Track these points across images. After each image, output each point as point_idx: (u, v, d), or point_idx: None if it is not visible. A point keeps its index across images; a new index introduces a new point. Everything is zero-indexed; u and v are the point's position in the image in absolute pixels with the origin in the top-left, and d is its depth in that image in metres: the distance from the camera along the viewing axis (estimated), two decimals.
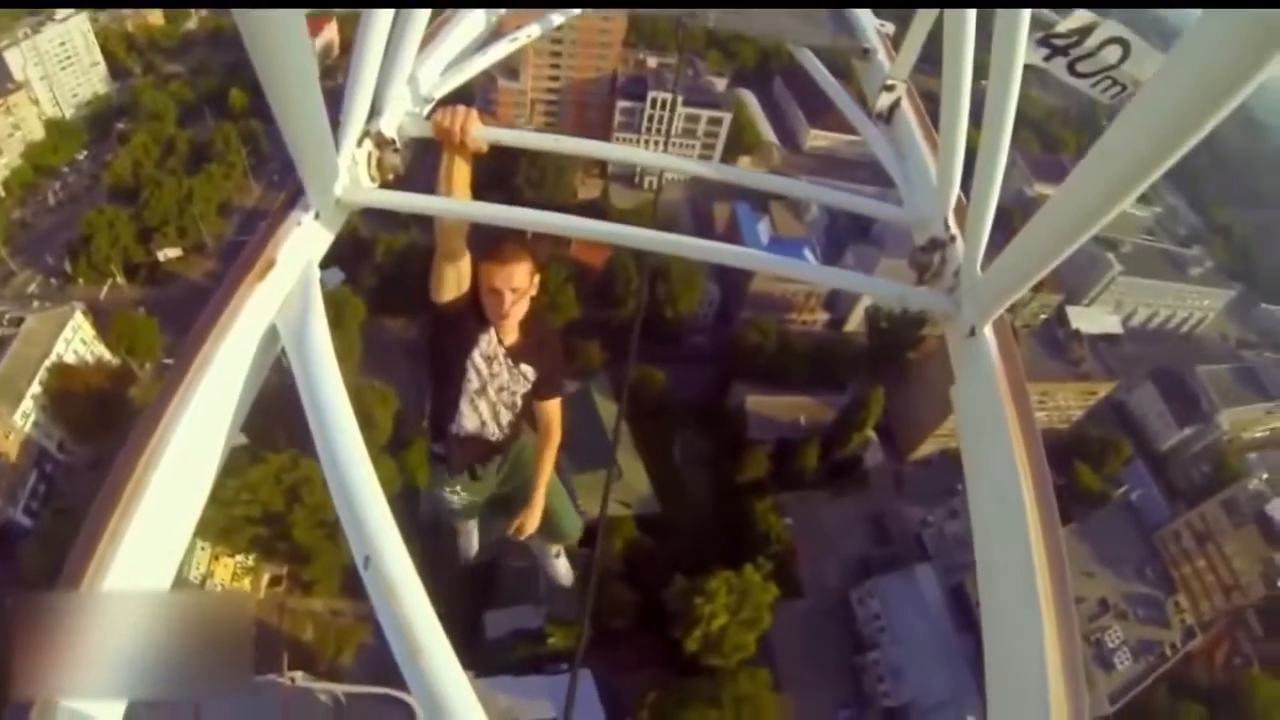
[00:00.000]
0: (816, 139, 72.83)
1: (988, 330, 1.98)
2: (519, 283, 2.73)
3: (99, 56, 70.73)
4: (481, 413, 3.00)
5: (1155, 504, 51.38)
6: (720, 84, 70.59)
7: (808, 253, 50.73)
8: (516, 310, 2.79)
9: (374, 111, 2.27)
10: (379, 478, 1.55)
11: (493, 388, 2.96)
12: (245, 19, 1.30)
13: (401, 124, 2.37)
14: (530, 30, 3.33)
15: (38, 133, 64.45)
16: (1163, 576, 47.24)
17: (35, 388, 42.18)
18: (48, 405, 42.74)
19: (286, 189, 2.14)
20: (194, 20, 77.52)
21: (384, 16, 2.20)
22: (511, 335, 2.90)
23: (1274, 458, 55.25)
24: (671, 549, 38.83)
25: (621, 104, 64.00)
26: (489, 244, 2.68)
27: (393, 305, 45.97)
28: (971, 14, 1.98)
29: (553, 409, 3.22)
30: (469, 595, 32.94)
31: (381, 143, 2.27)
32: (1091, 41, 1.86)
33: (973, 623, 39.06)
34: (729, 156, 66.50)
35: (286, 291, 1.94)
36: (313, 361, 1.76)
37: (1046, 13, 1.95)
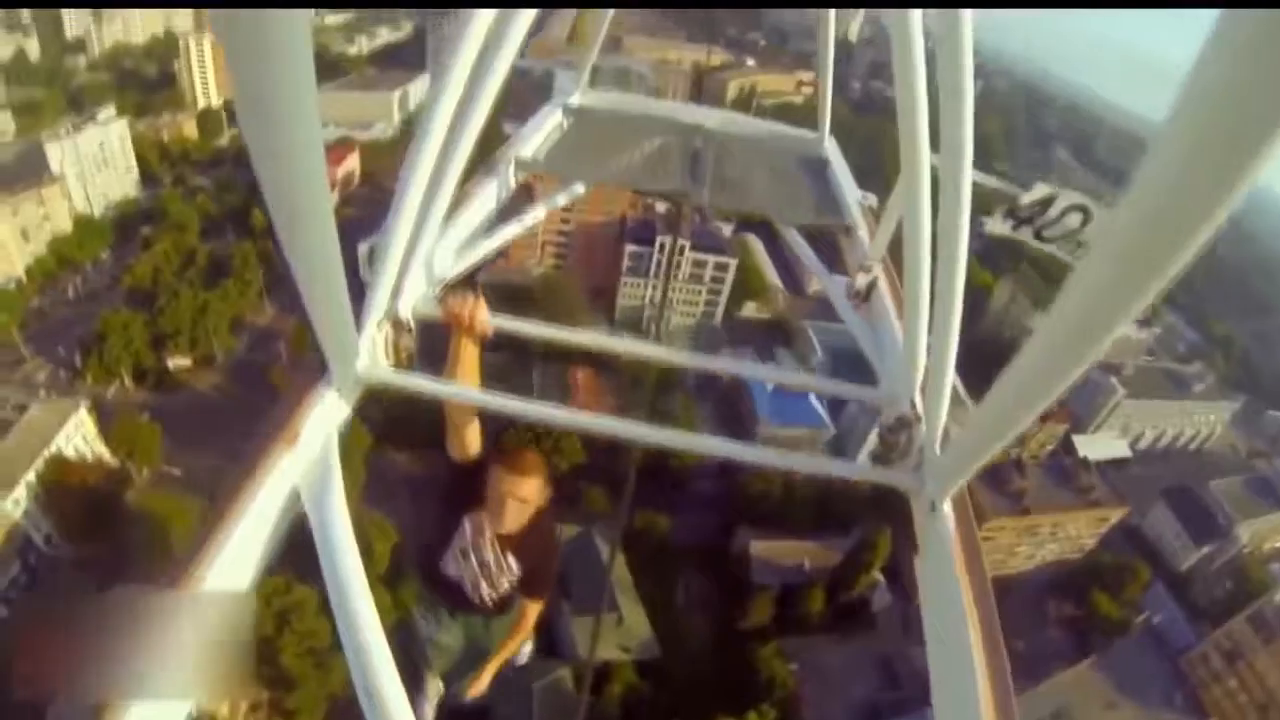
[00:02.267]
0: (820, 283, 73.64)
1: (946, 506, 2.04)
2: (527, 494, 2.69)
3: (133, 162, 74.26)
4: (463, 569, 2.94)
5: (1179, 627, 49.64)
6: (726, 229, 70.41)
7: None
8: (517, 518, 2.73)
9: (393, 292, 2.44)
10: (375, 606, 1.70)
11: (475, 558, 2.90)
12: (278, 211, 1.34)
13: (415, 305, 2.54)
14: (537, 213, 3.61)
15: (66, 226, 66.73)
16: (1192, 702, 45.09)
17: (30, 476, 41.81)
18: (40, 496, 42.29)
19: (312, 364, 2.30)
20: (225, 138, 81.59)
21: (411, 206, 2.36)
22: (507, 526, 2.80)
23: None
24: (671, 695, 37.13)
25: (630, 248, 64.30)
26: (506, 446, 2.69)
27: (398, 439, 45.51)
28: (925, 201, 2.10)
29: (532, 609, 3.19)
30: None
31: (397, 326, 2.42)
32: (1053, 212, 1.96)
33: None
34: (735, 301, 67.45)
35: (310, 459, 2.11)
36: (330, 523, 1.92)
37: (1012, 188, 2.09)
